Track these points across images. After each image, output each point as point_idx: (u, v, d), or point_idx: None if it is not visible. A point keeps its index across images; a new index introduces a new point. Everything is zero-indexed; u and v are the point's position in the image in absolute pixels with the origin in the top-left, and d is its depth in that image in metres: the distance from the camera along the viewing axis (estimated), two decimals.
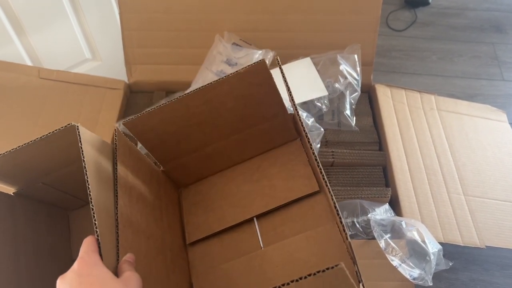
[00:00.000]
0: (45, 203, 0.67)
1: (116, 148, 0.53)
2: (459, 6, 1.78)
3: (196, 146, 0.64)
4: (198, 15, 0.97)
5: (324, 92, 0.91)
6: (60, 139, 0.51)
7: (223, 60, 0.93)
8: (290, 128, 0.65)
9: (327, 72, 0.95)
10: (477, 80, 1.50)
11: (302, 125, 0.54)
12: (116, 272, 0.43)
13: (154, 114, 0.55)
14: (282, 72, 0.55)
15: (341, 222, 0.45)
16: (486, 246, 0.80)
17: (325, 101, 0.93)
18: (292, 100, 0.54)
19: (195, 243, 0.64)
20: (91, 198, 0.43)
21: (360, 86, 0.95)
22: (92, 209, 0.43)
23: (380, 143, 0.96)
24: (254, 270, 0.58)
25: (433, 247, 0.71)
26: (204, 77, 0.91)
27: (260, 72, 0.54)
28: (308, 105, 0.93)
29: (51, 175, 0.60)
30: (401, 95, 1.02)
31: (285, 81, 0.54)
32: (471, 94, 1.45)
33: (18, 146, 0.50)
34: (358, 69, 0.95)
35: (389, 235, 0.73)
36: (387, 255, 0.71)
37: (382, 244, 0.72)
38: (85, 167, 0.44)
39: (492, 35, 1.66)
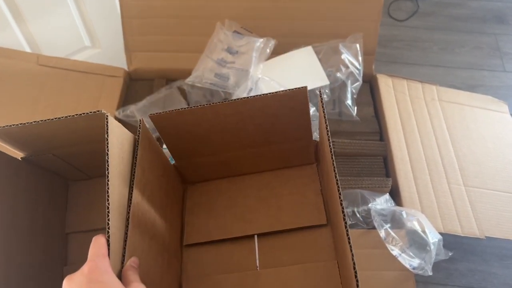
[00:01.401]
0: (49, 171, 0.67)
1: (138, 141, 0.53)
2: None
3: (213, 151, 0.63)
4: (199, 2, 0.96)
5: (326, 82, 0.91)
6: (84, 121, 0.50)
7: (224, 48, 0.92)
8: (310, 152, 0.64)
9: (329, 61, 0.94)
10: (479, 71, 1.49)
11: (332, 155, 0.51)
12: (120, 276, 0.43)
13: (183, 114, 0.55)
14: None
15: (352, 259, 0.44)
16: (485, 236, 0.80)
17: (326, 91, 0.93)
18: (326, 127, 0.53)
19: (191, 245, 0.63)
20: (108, 197, 0.43)
21: (361, 75, 0.94)
22: (108, 207, 0.42)
23: (381, 133, 0.95)
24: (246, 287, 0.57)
25: (433, 237, 0.71)
26: (205, 65, 0.90)
27: (298, 97, 0.54)
28: (309, 94, 0.92)
29: (63, 148, 0.60)
30: (402, 85, 1.01)
31: None
32: (472, 85, 1.44)
33: (40, 120, 0.49)
34: (360, 58, 0.94)
35: (389, 225, 0.73)
36: (387, 245, 0.71)
37: (382, 233, 0.72)
38: (107, 162, 0.44)
39: (494, 26, 1.65)
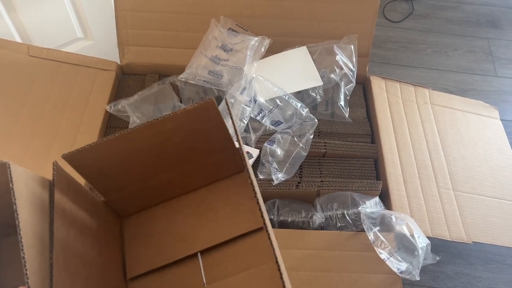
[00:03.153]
0: None
1: (53, 185, 0.50)
2: (456, 0, 1.77)
3: (139, 178, 0.62)
4: None
5: (319, 82, 0.91)
6: None
7: (218, 46, 0.91)
8: (237, 160, 0.64)
9: (323, 62, 0.94)
10: (471, 75, 1.50)
11: (245, 160, 0.53)
12: None
13: (96, 148, 0.53)
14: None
15: (276, 262, 0.44)
16: (473, 242, 0.81)
17: (320, 91, 0.92)
18: (236, 133, 0.53)
19: (135, 278, 0.62)
20: (22, 246, 0.40)
21: (355, 77, 0.94)
22: (23, 257, 0.40)
23: (372, 135, 0.95)
24: None
25: (421, 242, 0.72)
26: (199, 62, 0.90)
27: (209, 109, 0.54)
28: (302, 95, 0.92)
29: None
30: (395, 88, 1.02)
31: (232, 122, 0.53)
32: (464, 89, 1.45)
33: None
34: (354, 60, 0.94)
35: (378, 228, 0.74)
36: (375, 248, 0.72)
37: (371, 236, 0.72)
38: (16, 212, 0.42)
39: (487, 30, 1.66)
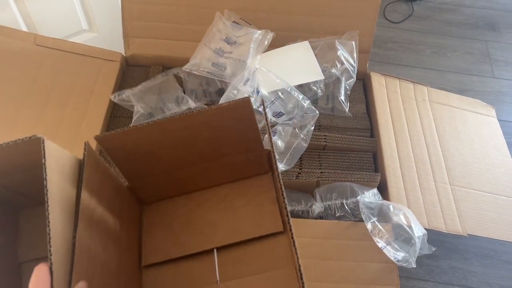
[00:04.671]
0: None
1: (83, 164, 0.50)
2: (455, 2, 1.80)
3: (166, 168, 0.62)
4: None
5: (321, 76, 0.92)
6: (22, 147, 0.47)
7: (222, 38, 0.93)
8: (263, 162, 0.64)
9: (325, 56, 0.96)
10: (469, 76, 1.52)
11: (276, 164, 0.53)
12: None
13: (129, 133, 0.53)
14: None
15: (299, 269, 0.44)
16: (468, 234, 0.82)
17: (321, 86, 0.94)
18: (270, 135, 0.53)
19: (150, 266, 0.62)
20: (49, 222, 0.40)
21: (356, 72, 0.96)
22: (49, 234, 0.40)
23: (372, 130, 0.97)
24: None
25: (418, 231, 0.74)
26: (203, 54, 0.91)
27: (243, 108, 0.53)
28: (303, 88, 0.94)
29: (7, 178, 0.57)
30: (395, 85, 1.04)
31: None
32: (461, 90, 1.47)
33: None
34: (355, 55, 0.96)
35: (376, 218, 0.75)
36: (373, 237, 0.73)
37: (369, 226, 0.74)
38: (46, 188, 0.42)
39: (486, 32, 1.68)
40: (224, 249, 0.61)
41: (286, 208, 0.48)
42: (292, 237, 0.47)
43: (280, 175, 0.52)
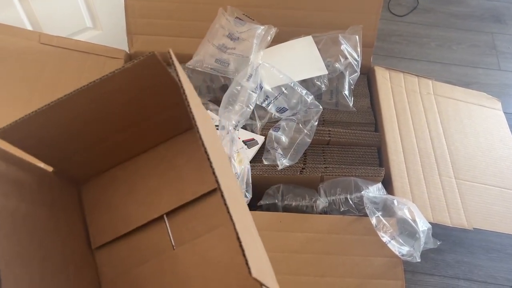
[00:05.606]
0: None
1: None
2: None
3: (89, 143, 0.58)
4: None
5: (324, 71, 0.92)
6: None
7: (225, 34, 0.93)
8: None
9: (328, 51, 0.95)
10: (474, 69, 1.51)
11: (192, 113, 0.45)
12: None
13: (30, 120, 0.49)
14: None
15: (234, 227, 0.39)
16: (473, 228, 0.82)
17: (325, 80, 0.94)
18: (182, 87, 0.46)
19: (101, 247, 0.59)
20: None
21: (359, 67, 0.95)
22: None
23: (376, 124, 0.97)
24: (166, 273, 0.55)
25: (422, 225, 0.74)
26: (206, 50, 0.91)
27: (151, 65, 0.50)
28: (307, 83, 0.94)
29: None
30: (399, 79, 1.03)
31: None
32: (467, 82, 1.46)
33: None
34: (359, 50, 0.95)
35: (381, 212, 0.75)
36: (378, 232, 0.73)
37: (373, 221, 0.74)
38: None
39: (491, 25, 1.67)
40: (174, 213, 0.58)
41: (210, 163, 0.42)
42: (221, 190, 0.40)
43: (200, 131, 0.44)
